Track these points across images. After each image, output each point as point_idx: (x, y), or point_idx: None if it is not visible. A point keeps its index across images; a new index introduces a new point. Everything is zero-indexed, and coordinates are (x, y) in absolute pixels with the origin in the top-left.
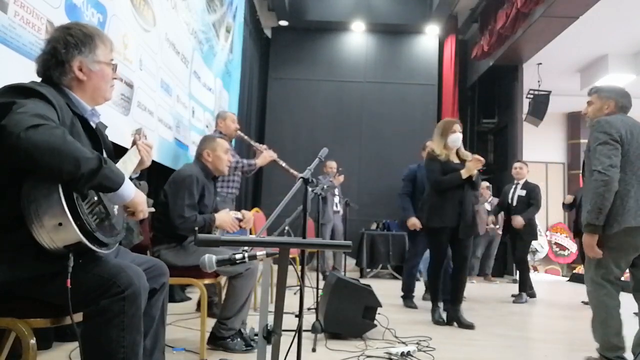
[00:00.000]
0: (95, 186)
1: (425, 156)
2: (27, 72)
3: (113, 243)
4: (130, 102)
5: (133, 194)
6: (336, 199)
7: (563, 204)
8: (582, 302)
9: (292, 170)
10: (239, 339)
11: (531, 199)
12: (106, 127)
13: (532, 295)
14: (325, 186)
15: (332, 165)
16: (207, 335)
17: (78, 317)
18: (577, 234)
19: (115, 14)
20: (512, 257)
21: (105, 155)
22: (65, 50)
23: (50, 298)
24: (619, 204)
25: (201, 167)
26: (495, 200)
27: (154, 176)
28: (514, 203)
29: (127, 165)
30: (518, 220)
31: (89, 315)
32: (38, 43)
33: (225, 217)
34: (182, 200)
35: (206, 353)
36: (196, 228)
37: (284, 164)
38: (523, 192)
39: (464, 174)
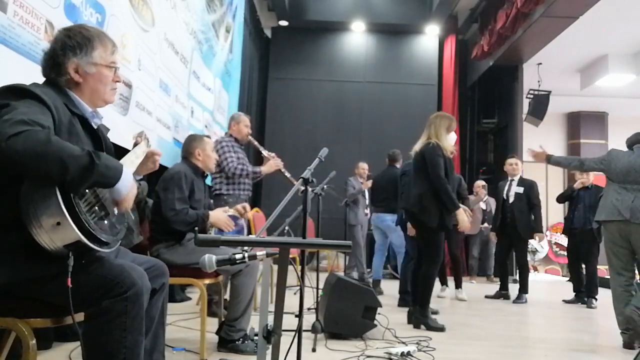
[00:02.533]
0: (92, 183)
1: (429, 147)
2: (26, 72)
3: (114, 242)
4: (128, 102)
5: (125, 192)
6: (367, 201)
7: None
8: (563, 300)
9: (295, 182)
10: (249, 341)
11: (532, 198)
12: (108, 129)
13: (506, 296)
14: (325, 186)
15: (364, 166)
16: (207, 335)
17: (79, 317)
18: (566, 231)
19: (114, 13)
20: (500, 256)
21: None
22: (62, 52)
23: (51, 298)
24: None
25: (189, 164)
26: (492, 200)
27: (154, 176)
28: (510, 200)
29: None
30: (540, 237)
31: (91, 315)
32: (37, 43)
33: (220, 215)
34: (172, 195)
35: (206, 353)
36: (196, 228)
37: (288, 175)
38: (520, 189)
39: (458, 215)
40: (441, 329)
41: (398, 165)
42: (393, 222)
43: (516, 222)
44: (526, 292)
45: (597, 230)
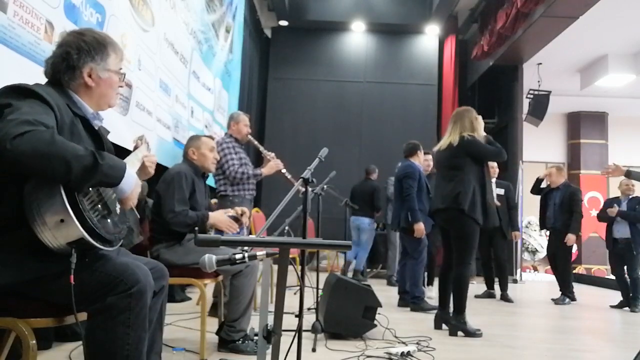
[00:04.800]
0: (95, 183)
1: (467, 140)
2: (26, 72)
3: (116, 241)
4: (128, 102)
5: (129, 191)
6: None
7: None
8: (552, 299)
9: (295, 183)
10: (249, 341)
11: (511, 200)
12: (108, 132)
13: (493, 295)
14: (325, 186)
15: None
16: (207, 335)
17: (82, 316)
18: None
19: (114, 13)
20: (484, 255)
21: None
22: (77, 56)
23: (54, 297)
24: None
25: (189, 164)
26: None
27: (154, 176)
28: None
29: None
30: (517, 236)
31: (95, 312)
32: (37, 43)
33: (220, 216)
34: (172, 196)
35: (206, 353)
36: (196, 228)
37: (289, 176)
38: (501, 191)
39: None
40: (480, 335)
41: (373, 178)
42: (369, 225)
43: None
44: (504, 290)
45: (566, 228)
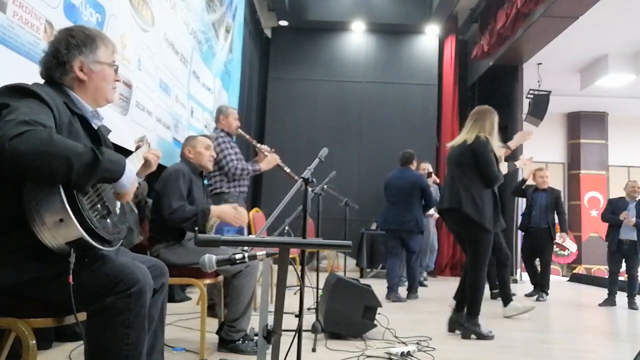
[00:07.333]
0: (98, 179)
1: (481, 142)
2: (25, 72)
3: (115, 241)
4: (128, 102)
5: (129, 186)
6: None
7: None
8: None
9: (296, 177)
10: (249, 341)
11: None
12: (109, 131)
13: (496, 296)
14: (325, 186)
15: (423, 167)
16: (207, 335)
17: (82, 316)
18: (523, 228)
19: (114, 13)
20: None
21: None
22: (66, 51)
23: (54, 297)
24: None
25: (186, 163)
26: None
27: (154, 176)
28: None
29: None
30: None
31: (94, 312)
32: (37, 43)
33: (226, 209)
34: (169, 194)
35: (206, 353)
36: (196, 228)
37: (288, 170)
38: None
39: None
40: (492, 337)
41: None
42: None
43: None
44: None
45: (551, 227)
